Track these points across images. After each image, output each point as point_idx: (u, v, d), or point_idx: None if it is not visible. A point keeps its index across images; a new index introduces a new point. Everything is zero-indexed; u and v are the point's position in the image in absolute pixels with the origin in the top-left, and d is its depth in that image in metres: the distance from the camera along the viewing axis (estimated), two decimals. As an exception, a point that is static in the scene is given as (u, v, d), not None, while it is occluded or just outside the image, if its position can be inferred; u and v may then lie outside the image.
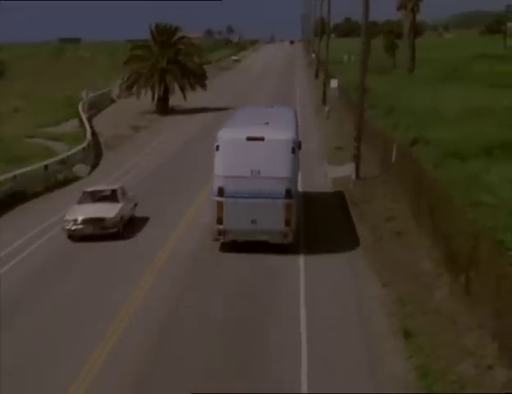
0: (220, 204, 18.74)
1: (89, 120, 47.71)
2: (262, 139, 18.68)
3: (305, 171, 30.11)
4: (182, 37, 53.53)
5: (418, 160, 21.41)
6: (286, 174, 18.59)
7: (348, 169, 28.63)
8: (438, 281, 16.13)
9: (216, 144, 18.84)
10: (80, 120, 44.99)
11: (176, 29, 53.15)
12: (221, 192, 18.70)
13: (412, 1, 70.94)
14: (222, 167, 18.76)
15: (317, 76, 79.32)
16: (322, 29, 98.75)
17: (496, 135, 31.45)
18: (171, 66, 51.31)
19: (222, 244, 19.26)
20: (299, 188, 21.87)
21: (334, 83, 50.57)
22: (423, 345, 13.10)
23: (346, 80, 54.80)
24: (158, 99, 52.18)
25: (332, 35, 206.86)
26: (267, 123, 19.89)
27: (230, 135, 19.17)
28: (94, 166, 33.65)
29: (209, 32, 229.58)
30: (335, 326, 14.38)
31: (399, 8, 72.11)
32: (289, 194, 18.52)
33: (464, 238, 15.30)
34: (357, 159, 27.74)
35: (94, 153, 36.13)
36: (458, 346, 12.86)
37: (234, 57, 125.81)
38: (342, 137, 36.97)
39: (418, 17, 78.37)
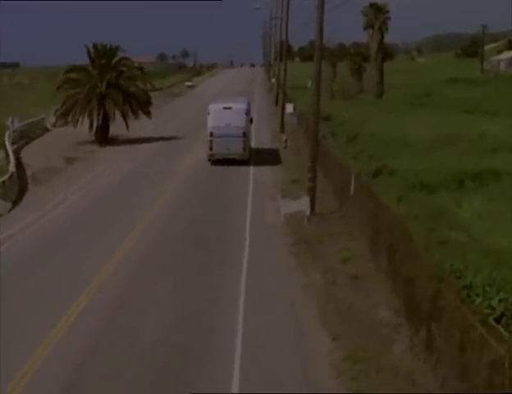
0: (211, 141, 39.30)
1: (18, 151, 46.26)
2: (230, 108, 39.98)
3: (256, 207, 29.31)
4: (124, 58, 52.41)
5: (377, 193, 20.48)
6: (242, 125, 39.48)
7: (303, 203, 27.69)
8: (397, 333, 15.13)
9: (207, 111, 40.09)
10: (6, 151, 43.51)
11: (117, 50, 52.05)
12: (211, 135, 39.22)
13: (380, 19, 71.05)
14: (211, 122, 39.45)
15: (277, 103, 78.90)
16: (284, 53, 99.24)
17: (469, 165, 30.90)
18: (111, 91, 50.11)
19: (212, 161, 39.76)
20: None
21: (289, 108, 49.92)
22: (376, 411, 12.01)
23: (309, 106, 54.28)
24: (97, 128, 50.82)
25: (297, 59, 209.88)
26: (232, 102, 42.05)
27: (214, 106, 40.44)
28: (16, 202, 32.18)
29: (162, 56, 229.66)
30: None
31: (365, 28, 72.10)
32: (244, 135, 39.38)
33: (427, 282, 14.36)
34: (312, 193, 26.82)
35: (18, 188, 34.66)
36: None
37: (188, 83, 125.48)
38: (299, 168, 36.18)
39: (388, 39, 79.13)
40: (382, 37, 72.31)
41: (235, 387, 13.27)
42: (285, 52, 70.89)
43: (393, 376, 13.21)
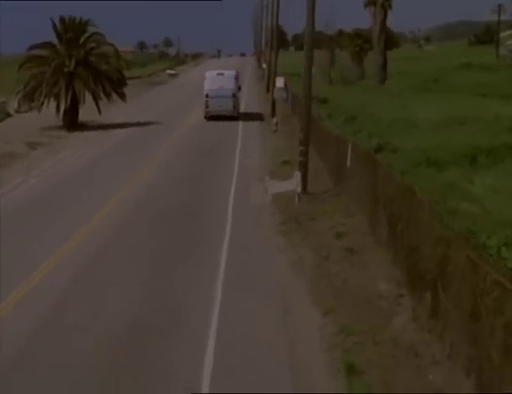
0: (206, 101, 52.54)
1: (-26, 136, 45.59)
2: (223, 74, 54.28)
3: (241, 190, 28.68)
4: (95, 34, 51.70)
5: (379, 160, 19.87)
6: (232, 87, 52.68)
7: (294, 184, 27.07)
8: (398, 305, 14.50)
9: (205, 77, 53.96)
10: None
11: (87, 24, 51.37)
12: (207, 96, 52.50)
13: (382, -7, 70.37)
14: (207, 85, 52.56)
15: (268, 90, 78.45)
16: (275, 34, 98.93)
17: (483, 141, 30.35)
18: (81, 70, 49.41)
19: (207, 117, 52.89)
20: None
21: (280, 82, 49.19)
22: (373, 383, 11.35)
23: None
24: (65, 111, 50.07)
25: (291, 48, 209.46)
26: (224, 70, 57.20)
27: (210, 73, 54.56)
28: (-33, 187, 31.49)
29: (142, 45, 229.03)
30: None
31: (367, 4, 71.45)
32: (234, 95, 52.81)
33: (433, 248, 13.75)
34: (304, 168, 26.21)
35: (-29, 173, 34.01)
36: (420, 384, 11.14)
37: (169, 71, 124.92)
38: (290, 151, 35.60)
39: (394, 27, 78.68)
40: (386, 15, 71.49)
41: (215, 368, 12.58)
42: (276, 33, 70.72)
43: (393, 348, 12.57)
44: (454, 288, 12.36)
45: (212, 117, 52.39)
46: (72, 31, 50.75)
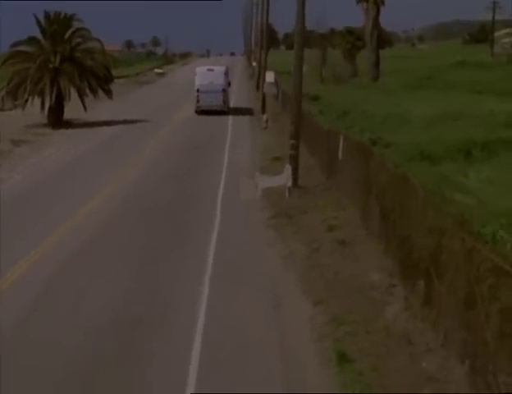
0: (198, 95, 54.93)
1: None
2: (213, 69, 57.42)
3: (230, 185, 28.63)
4: (81, 29, 51.54)
5: (372, 150, 19.87)
6: (222, 83, 55.06)
7: (284, 178, 27.06)
8: (390, 295, 14.47)
9: (195, 73, 56.66)
10: None
11: (72, 19, 51.20)
12: (198, 91, 54.95)
13: (376, -12, 70.44)
14: (198, 81, 55.16)
15: (258, 88, 78.44)
16: (265, 30, 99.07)
17: (478, 136, 30.39)
18: (66, 66, 49.24)
19: (198, 112, 55.13)
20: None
21: (270, 77, 49.06)
22: (365, 371, 11.30)
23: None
24: (50, 109, 49.90)
25: (282, 47, 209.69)
26: (215, 66, 61.63)
27: (200, 69, 57.33)
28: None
29: (129, 44, 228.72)
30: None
31: (359, 1, 71.54)
32: (224, 90, 55.20)
33: (426, 238, 13.74)
34: (294, 162, 26.17)
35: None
36: (413, 371, 11.12)
37: (157, 70, 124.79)
38: (281, 147, 35.60)
39: (387, 26, 78.78)
40: (378, 11, 71.61)
41: (201, 363, 12.51)
42: (266, 31, 70.87)
43: (385, 336, 12.53)
44: (448, 275, 12.34)
45: (202, 112, 54.62)
46: (57, 26, 50.53)
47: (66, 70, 49.18)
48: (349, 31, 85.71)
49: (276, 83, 52.37)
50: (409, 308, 13.45)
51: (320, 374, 11.73)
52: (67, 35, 51.20)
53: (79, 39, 51.48)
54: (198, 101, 55.28)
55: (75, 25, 51.61)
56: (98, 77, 50.70)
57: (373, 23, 71.81)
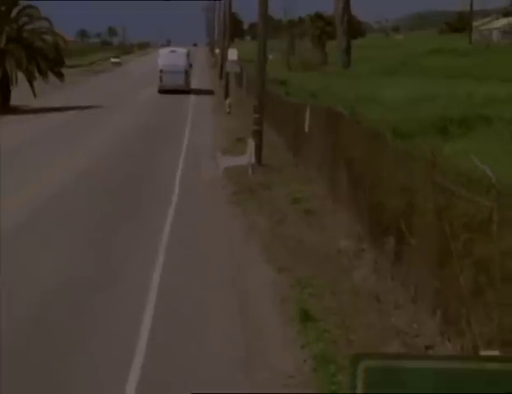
0: (160, 76, 62.41)
1: None
2: (175, 51, 67.33)
3: (189, 166, 28.52)
4: (28, 7, 51.14)
5: (340, 112, 19.90)
6: (184, 64, 63.44)
7: (247, 158, 27.05)
8: (358, 259, 14.51)
9: (157, 55, 67.18)
10: None
11: (19, -4, 50.87)
12: (161, 71, 62.46)
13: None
14: (161, 61, 63.25)
15: (221, 77, 78.57)
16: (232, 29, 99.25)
17: (455, 112, 30.56)
18: (13, 47, 48.81)
19: (161, 91, 62.16)
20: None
21: (233, 54, 48.74)
22: (330, 329, 11.28)
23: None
24: (-5, 94, 49.46)
25: (247, 38, 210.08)
26: (177, 48, 71.53)
27: (163, 51, 69.41)
28: None
29: (83, 34, 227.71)
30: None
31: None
32: (186, 71, 63.74)
33: (398, 199, 13.77)
34: (258, 138, 26.14)
35: None
36: (381, 327, 11.10)
37: (113, 60, 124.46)
38: (245, 131, 35.55)
39: (359, 16, 79.02)
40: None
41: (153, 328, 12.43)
42: (230, 20, 71.16)
43: (353, 296, 12.53)
44: (420, 231, 12.37)
45: (165, 91, 61.63)
46: (2, 4, 50.13)
47: (13, 51, 48.71)
48: (319, 16, 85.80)
49: (239, 60, 51.97)
50: (378, 269, 13.49)
51: (281, 334, 11.68)
52: (13, 14, 50.81)
53: (26, 18, 51.07)
54: (161, 81, 62.44)
55: (22, 3, 51.23)
56: (47, 59, 50.30)
57: (344, 5, 71.90)
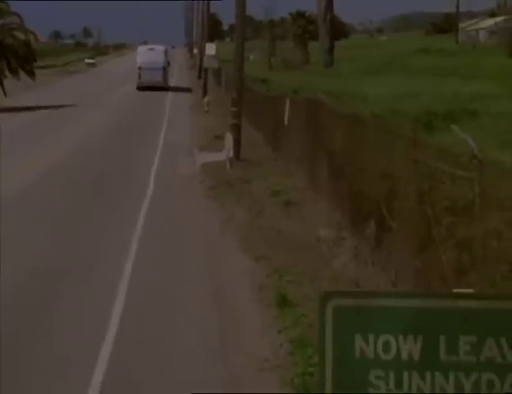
0: (139, 73, 66.90)
1: None
2: (153, 49, 72.26)
3: (165, 162, 28.50)
4: (-3, 2, 51.14)
5: (323, 100, 19.94)
6: (162, 61, 68.03)
7: (225, 154, 27.07)
8: (339, 247, 14.53)
9: (137, 53, 73.08)
10: None
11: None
12: (139, 68, 66.98)
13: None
14: (140, 59, 68.37)
15: (200, 77, 78.71)
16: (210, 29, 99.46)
17: (440, 107, 30.70)
18: (-18, 44, 48.79)
19: (139, 88, 66.37)
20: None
21: (210, 49, 48.62)
22: (308, 314, 11.26)
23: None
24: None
25: (227, 39, 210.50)
26: (155, 45, 76.00)
27: (142, 48, 75.33)
28: None
29: (57, 34, 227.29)
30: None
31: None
32: (164, 68, 68.12)
33: (378, 186, 13.82)
34: (237, 131, 26.17)
35: None
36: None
37: (88, 60, 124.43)
38: (223, 128, 35.61)
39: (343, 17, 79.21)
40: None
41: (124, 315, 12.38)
42: (208, 21, 71.25)
43: (332, 283, 12.53)
44: (401, 215, 12.40)
45: (143, 88, 65.27)
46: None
47: (-18, 48, 48.69)
48: (300, 14, 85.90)
49: (216, 55, 51.81)
50: (358, 256, 13.51)
51: (258, 320, 11.69)
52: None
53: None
54: (139, 77, 66.65)
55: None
56: (18, 56, 50.20)
57: (326, 3, 72.09)
